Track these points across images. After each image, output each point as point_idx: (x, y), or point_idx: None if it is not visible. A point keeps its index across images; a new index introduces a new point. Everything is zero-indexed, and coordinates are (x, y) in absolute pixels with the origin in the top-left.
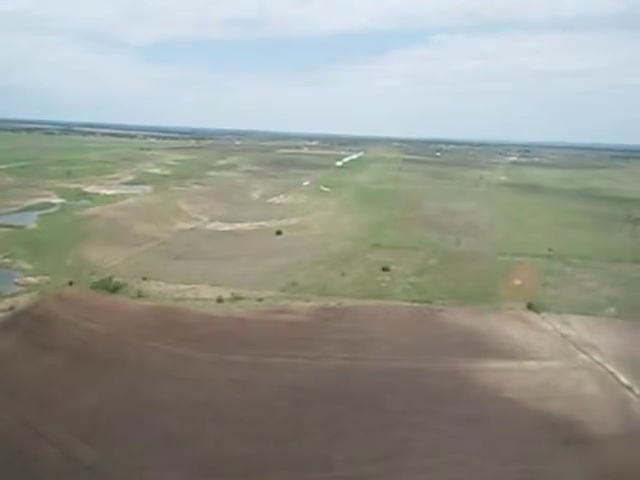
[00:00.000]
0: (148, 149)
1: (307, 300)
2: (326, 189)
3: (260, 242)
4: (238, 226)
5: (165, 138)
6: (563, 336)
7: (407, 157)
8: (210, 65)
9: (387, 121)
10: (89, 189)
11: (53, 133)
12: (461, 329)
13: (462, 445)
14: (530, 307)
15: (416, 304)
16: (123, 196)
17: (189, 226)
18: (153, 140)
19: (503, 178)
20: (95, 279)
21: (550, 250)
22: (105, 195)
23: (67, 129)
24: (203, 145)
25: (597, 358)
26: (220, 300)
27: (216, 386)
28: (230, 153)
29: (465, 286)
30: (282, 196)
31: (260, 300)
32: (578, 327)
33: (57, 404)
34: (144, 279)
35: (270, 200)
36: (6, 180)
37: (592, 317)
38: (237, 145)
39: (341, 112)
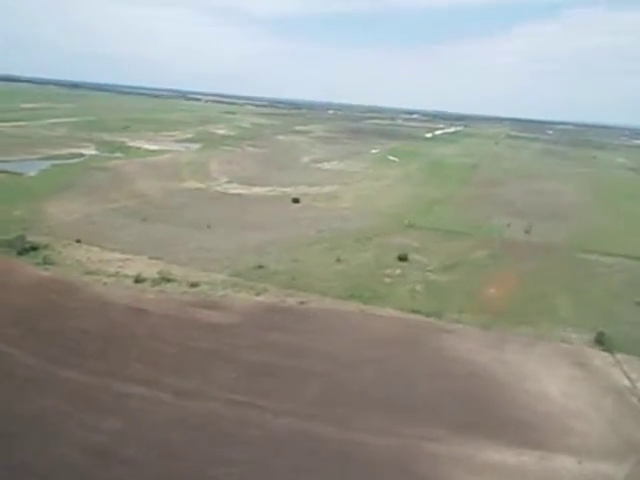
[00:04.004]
0: (233, 113)
1: (259, 293)
2: (394, 158)
3: (265, 210)
4: (255, 190)
5: (264, 106)
6: None
7: (512, 134)
8: (328, 39)
9: (501, 100)
10: (134, 143)
11: (158, 97)
12: (464, 369)
13: None
14: (600, 341)
15: (416, 316)
16: (162, 152)
17: (198, 186)
18: (250, 107)
19: (621, 160)
20: (23, 235)
21: None
22: (146, 150)
23: (178, 95)
24: (294, 113)
25: None
26: (139, 279)
27: None
28: (315, 121)
29: (507, 295)
30: (335, 162)
31: (193, 285)
32: None
33: None
34: (77, 242)
35: (318, 165)
36: (59, 131)
37: None
38: (329, 114)
39: (452, 89)
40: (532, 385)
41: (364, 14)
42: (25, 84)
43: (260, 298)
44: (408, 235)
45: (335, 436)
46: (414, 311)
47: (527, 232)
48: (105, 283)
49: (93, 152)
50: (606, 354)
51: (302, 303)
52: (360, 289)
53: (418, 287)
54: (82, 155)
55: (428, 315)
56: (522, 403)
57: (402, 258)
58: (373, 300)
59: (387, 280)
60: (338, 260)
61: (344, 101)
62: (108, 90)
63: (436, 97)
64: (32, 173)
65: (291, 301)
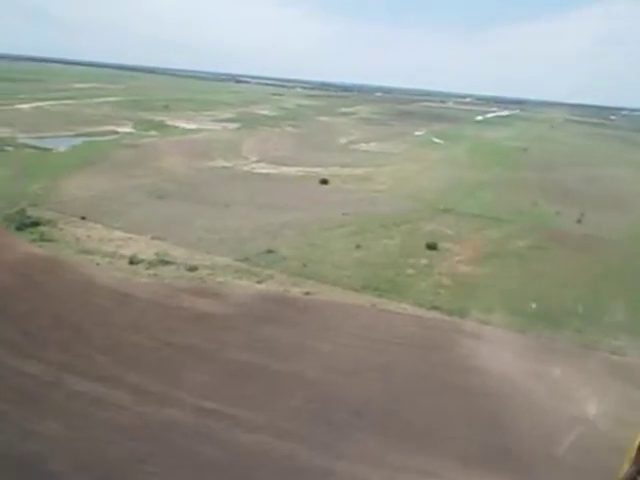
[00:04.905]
0: (280, 95)
1: (262, 280)
2: (438, 140)
3: (290, 190)
4: (284, 170)
5: (312, 89)
6: None
7: (571, 118)
8: (381, 20)
9: (563, 84)
10: (171, 122)
11: (208, 79)
12: (486, 383)
13: None
14: None
15: (437, 314)
16: (198, 130)
17: (225, 164)
18: (298, 90)
19: None
20: (28, 210)
21: None
22: (182, 128)
23: (229, 78)
24: (342, 95)
25: None
26: (134, 261)
27: None
28: (361, 102)
29: (548, 293)
30: (374, 143)
31: (191, 270)
32: None
33: None
34: (82, 218)
35: (356, 146)
36: (102, 109)
37: None
38: (376, 96)
39: (510, 72)
40: (573, 409)
41: None
42: (85, 67)
43: (262, 286)
44: (442, 221)
45: (316, 463)
46: (435, 308)
47: (579, 222)
48: (98, 264)
49: (129, 130)
50: None
51: (307, 294)
52: (377, 280)
53: (444, 280)
54: (117, 132)
55: (451, 313)
56: (558, 433)
57: (431, 246)
58: (390, 293)
59: (410, 271)
60: (358, 247)
61: (395, 84)
62: (161, 73)
63: (493, 81)
64: (62, 149)
65: (296, 291)
